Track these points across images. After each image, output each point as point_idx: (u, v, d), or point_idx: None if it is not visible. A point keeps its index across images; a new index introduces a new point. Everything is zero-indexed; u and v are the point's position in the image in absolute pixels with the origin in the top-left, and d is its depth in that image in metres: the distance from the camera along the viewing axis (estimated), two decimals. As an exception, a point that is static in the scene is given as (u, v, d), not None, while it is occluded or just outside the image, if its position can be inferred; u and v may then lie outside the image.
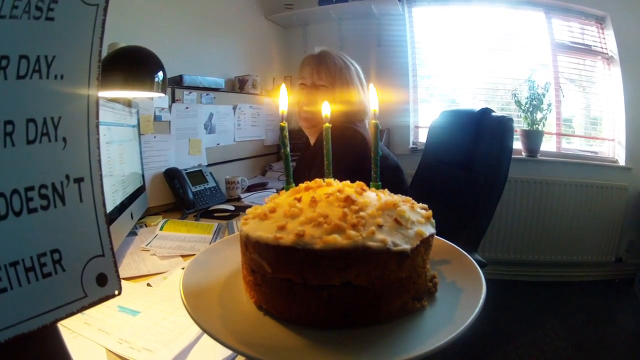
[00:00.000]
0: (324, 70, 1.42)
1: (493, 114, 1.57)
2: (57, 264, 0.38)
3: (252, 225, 0.41)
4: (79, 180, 0.39)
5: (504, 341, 2.04)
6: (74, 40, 0.38)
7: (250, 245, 0.40)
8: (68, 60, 0.38)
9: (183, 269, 0.99)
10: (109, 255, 0.42)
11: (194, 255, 1.15)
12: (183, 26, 2.01)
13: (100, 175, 0.41)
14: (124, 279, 0.97)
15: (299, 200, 0.41)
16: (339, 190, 0.41)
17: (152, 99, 1.68)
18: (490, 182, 1.45)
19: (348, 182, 0.45)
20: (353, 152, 1.25)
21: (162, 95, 1.08)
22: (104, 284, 0.41)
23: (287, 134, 0.47)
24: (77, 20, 0.38)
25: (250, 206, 1.62)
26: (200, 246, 1.23)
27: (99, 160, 0.41)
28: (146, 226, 1.47)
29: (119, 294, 0.42)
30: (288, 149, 0.47)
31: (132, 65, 0.99)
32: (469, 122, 1.64)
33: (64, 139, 0.38)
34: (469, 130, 1.62)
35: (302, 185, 0.45)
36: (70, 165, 0.39)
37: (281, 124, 0.47)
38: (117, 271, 0.42)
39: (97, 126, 0.41)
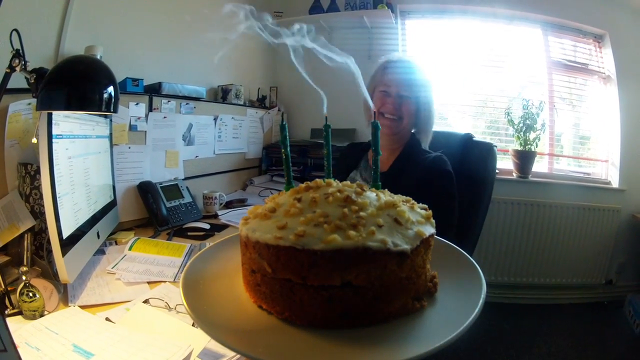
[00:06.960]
0: (413, 82, 1.44)
1: (475, 139, 1.65)
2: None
3: (252, 225, 0.43)
4: None
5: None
6: None
7: (250, 245, 0.42)
8: None
9: (146, 301, 1.00)
10: (11, 349, 0.42)
11: (161, 282, 1.15)
12: (165, 32, 2.03)
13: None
14: (83, 307, 0.97)
15: (299, 200, 0.43)
16: (339, 191, 0.44)
17: (127, 106, 1.69)
18: (474, 208, 1.50)
19: (348, 182, 0.48)
20: (448, 194, 1.32)
21: (113, 114, 1.03)
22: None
23: (287, 134, 0.50)
24: None
25: (227, 225, 1.60)
26: (169, 271, 1.23)
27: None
28: (116, 243, 1.46)
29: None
30: (288, 149, 0.50)
31: (76, 80, 0.92)
32: (449, 147, 1.65)
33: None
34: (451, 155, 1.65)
35: (302, 186, 0.47)
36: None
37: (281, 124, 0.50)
38: (23, 365, 0.42)
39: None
